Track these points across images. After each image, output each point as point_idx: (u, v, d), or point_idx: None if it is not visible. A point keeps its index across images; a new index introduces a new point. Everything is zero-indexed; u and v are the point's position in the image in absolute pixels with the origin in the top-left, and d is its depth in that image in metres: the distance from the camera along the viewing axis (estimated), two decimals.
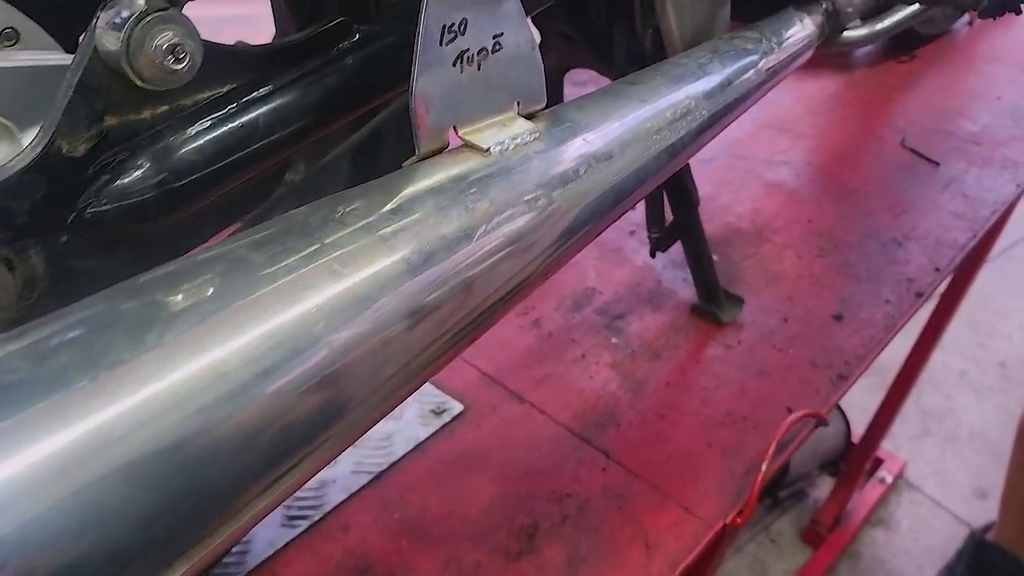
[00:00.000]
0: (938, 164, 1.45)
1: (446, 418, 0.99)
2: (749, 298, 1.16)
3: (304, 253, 0.42)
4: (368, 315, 0.42)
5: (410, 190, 0.49)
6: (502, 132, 0.55)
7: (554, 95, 1.12)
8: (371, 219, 0.45)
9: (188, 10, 0.46)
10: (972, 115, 1.62)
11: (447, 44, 0.52)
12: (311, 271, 0.41)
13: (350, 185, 0.49)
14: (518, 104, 0.58)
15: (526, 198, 0.52)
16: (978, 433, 2.51)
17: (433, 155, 0.53)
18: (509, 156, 0.54)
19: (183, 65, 0.44)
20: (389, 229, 0.45)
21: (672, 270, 1.22)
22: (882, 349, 1.10)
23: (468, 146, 0.54)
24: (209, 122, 0.50)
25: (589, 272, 1.21)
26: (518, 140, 0.55)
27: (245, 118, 0.51)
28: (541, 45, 1.04)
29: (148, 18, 0.42)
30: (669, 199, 1.05)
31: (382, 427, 0.97)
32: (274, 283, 0.40)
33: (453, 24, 0.52)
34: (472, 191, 0.50)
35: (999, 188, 1.39)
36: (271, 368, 0.37)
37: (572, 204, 0.55)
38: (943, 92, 1.73)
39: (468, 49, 0.53)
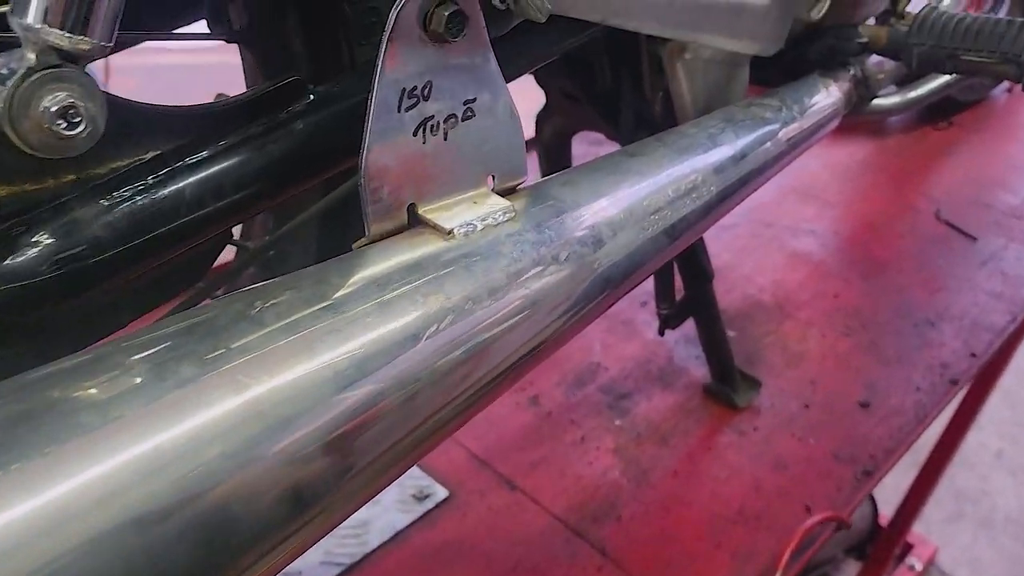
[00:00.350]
0: (975, 239, 1.36)
1: (429, 504, 0.90)
2: (767, 380, 1.08)
3: (206, 358, 0.35)
4: (279, 440, 0.35)
5: (351, 280, 0.42)
6: (471, 211, 0.48)
7: (560, 159, 1.05)
8: (294, 318, 0.38)
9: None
10: (1012, 187, 1.53)
11: (406, 110, 0.45)
12: (209, 383, 0.34)
13: (319, 257, 0.42)
14: (493, 179, 0.51)
15: (491, 291, 0.45)
16: (1015, 518, 2.37)
17: (386, 237, 0.46)
18: (475, 240, 0.46)
19: (78, 131, 0.37)
20: (315, 330, 0.38)
21: (685, 346, 1.14)
22: (913, 442, 1.00)
23: (429, 227, 0.47)
24: (126, 193, 0.43)
25: (595, 345, 1.13)
26: (488, 221, 0.48)
27: (169, 189, 0.44)
28: (546, 105, 0.98)
29: (35, 76, 0.35)
30: (680, 272, 0.97)
31: (357, 513, 0.89)
32: (159, 399, 0.33)
33: (415, 88, 0.45)
34: (426, 282, 0.43)
35: None
36: (137, 503, 0.30)
37: (547, 298, 0.48)
38: (981, 162, 1.65)
39: (433, 116, 0.46)
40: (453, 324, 0.42)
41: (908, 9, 0.89)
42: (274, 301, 0.38)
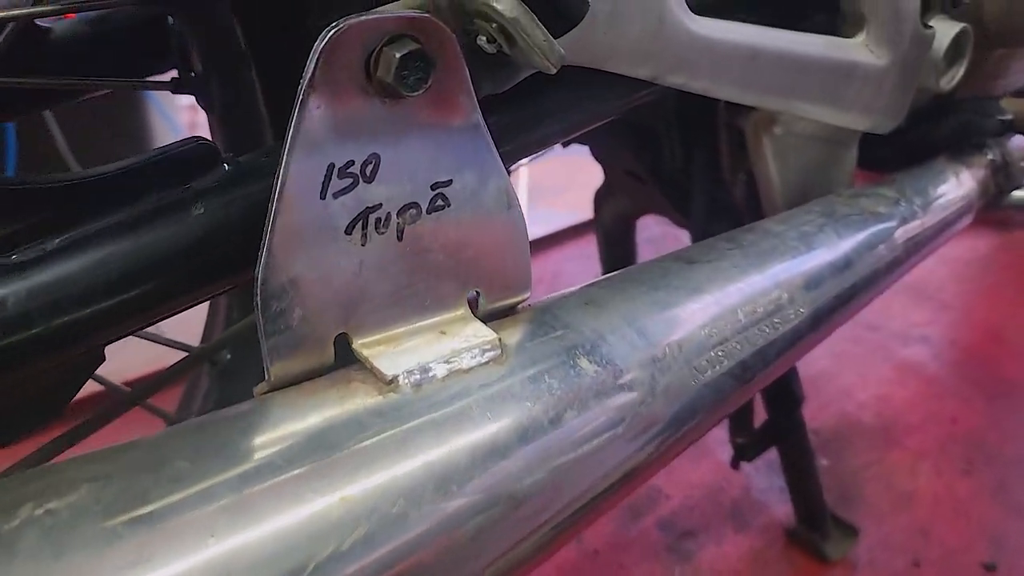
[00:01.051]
0: None
1: None
2: (867, 526, 0.87)
3: None
4: None
5: (233, 452, 0.26)
6: (432, 348, 0.32)
7: (622, 246, 0.89)
8: (108, 522, 0.23)
9: None
10: None
11: (336, 195, 0.30)
12: None
13: None
14: (478, 296, 0.35)
15: (439, 485, 0.29)
16: None
17: (301, 380, 0.31)
18: (429, 395, 0.31)
19: None
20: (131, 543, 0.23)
21: (767, 473, 0.94)
22: None
23: (364, 370, 0.31)
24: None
25: None
26: (456, 363, 0.32)
27: (10, 289, 0.30)
28: (605, 183, 0.82)
29: None
30: (761, 392, 0.79)
31: None
32: None
33: (351, 163, 0.30)
34: (339, 463, 0.27)
35: None
36: None
37: (534, 494, 0.31)
38: None
39: (379, 206, 0.31)
40: (370, 542, 0.26)
41: None
42: (93, 484, 0.23)
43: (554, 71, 0.32)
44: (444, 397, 0.31)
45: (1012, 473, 0.96)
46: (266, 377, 0.30)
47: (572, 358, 0.34)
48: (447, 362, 0.32)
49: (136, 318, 0.33)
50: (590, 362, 0.35)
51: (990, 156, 0.69)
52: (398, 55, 0.29)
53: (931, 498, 0.92)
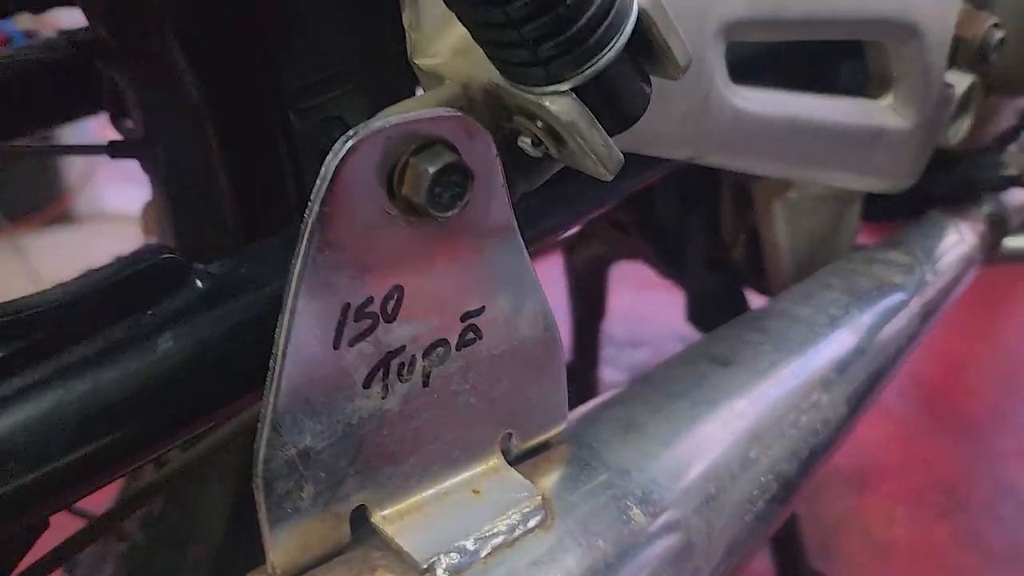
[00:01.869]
0: None
1: None
2: None
3: None
4: None
5: None
6: (466, 515, 0.26)
7: (591, 291, 0.84)
8: None
9: None
10: None
11: (352, 343, 0.24)
12: None
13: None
14: (511, 439, 0.29)
15: None
16: None
17: (310, 568, 0.25)
18: None
19: None
20: None
21: None
22: None
23: (389, 553, 0.25)
24: None
25: None
26: (499, 537, 0.26)
27: None
28: (582, 230, 0.77)
29: None
30: None
31: None
32: None
33: (369, 301, 0.24)
34: None
35: None
36: None
37: None
38: None
39: (402, 349, 0.25)
40: None
41: None
42: None
43: (610, 178, 0.26)
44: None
45: (982, 518, 0.94)
46: (268, 568, 0.24)
47: (623, 511, 0.29)
48: (488, 536, 0.26)
49: (94, 478, 0.26)
50: (644, 514, 0.29)
51: (987, 209, 0.66)
52: (432, 169, 0.23)
53: (909, 548, 0.90)
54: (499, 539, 0.26)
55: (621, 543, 0.28)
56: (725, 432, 0.35)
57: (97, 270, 0.27)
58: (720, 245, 0.60)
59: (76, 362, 0.26)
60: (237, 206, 0.40)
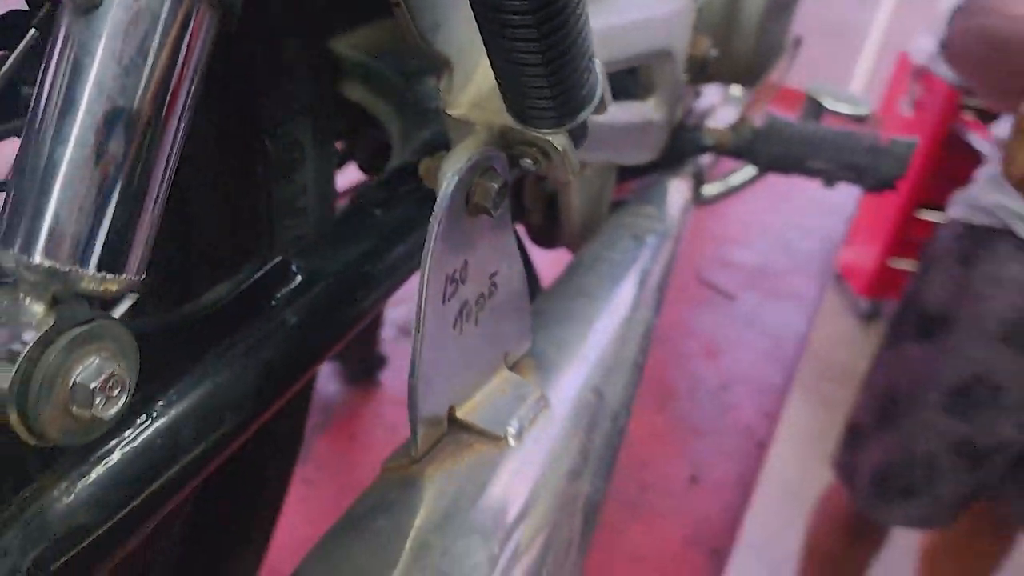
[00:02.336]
0: (735, 297, 1.49)
1: None
2: None
3: None
4: None
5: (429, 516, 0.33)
6: (504, 404, 0.41)
7: None
8: None
9: None
10: (751, 244, 1.69)
11: (449, 299, 0.37)
12: None
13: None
14: (506, 356, 0.44)
15: (561, 495, 0.38)
16: None
17: (430, 450, 0.37)
18: (529, 443, 0.39)
19: (117, 407, 0.25)
20: None
21: None
22: (743, 512, 1.05)
23: (475, 433, 0.39)
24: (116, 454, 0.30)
25: None
26: (527, 414, 0.41)
27: (159, 429, 0.32)
28: None
29: (61, 340, 0.23)
30: None
31: None
32: None
33: (455, 271, 0.37)
34: (502, 505, 0.35)
35: (793, 322, 1.45)
36: None
37: (597, 487, 0.42)
38: (715, 223, 1.79)
39: (467, 301, 0.39)
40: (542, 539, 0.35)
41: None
42: None
43: (573, 179, 0.42)
44: (540, 443, 0.39)
45: (687, 405, 1.23)
46: (412, 452, 0.36)
47: (580, 389, 0.45)
48: (521, 416, 0.40)
49: (256, 421, 0.36)
50: (586, 386, 0.46)
51: (692, 170, 0.90)
52: (495, 186, 0.37)
53: (641, 434, 1.15)
54: (529, 414, 0.41)
55: (588, 407, 0.44)
56: (611, 331, 0.52)
57: (230, 280, 0.37)
58: (523, 211, 0.77)
59: (238, 345, 0.36)
60: (221, 227, 0.48)
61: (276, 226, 0.46)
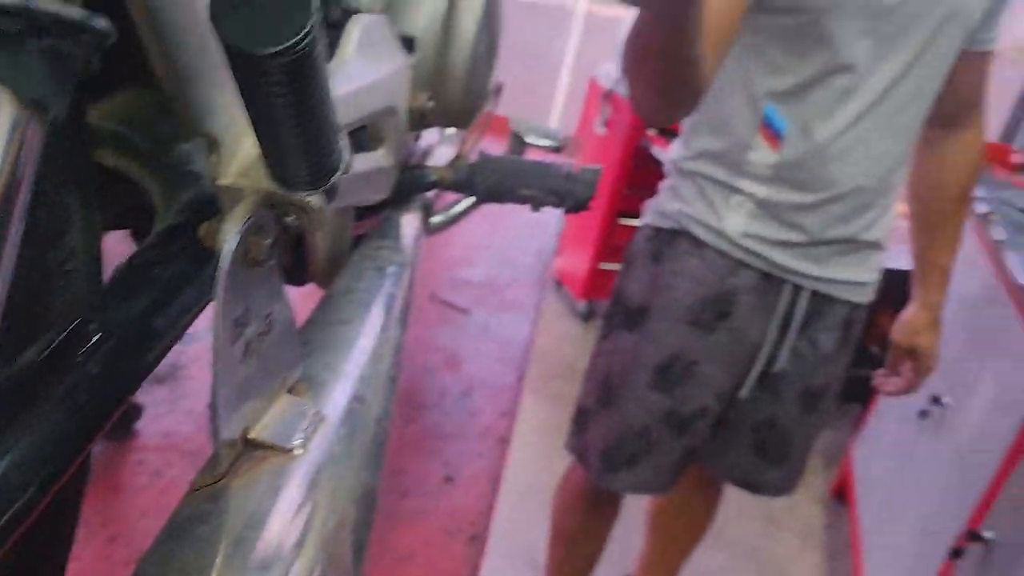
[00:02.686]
0: (469, 311, 1.63)
1: None
2: None
3: None
4: None
5: (234, 517, 0.40)
6: (289, 422, 0.49)
7: None
8: None
9: None
10: (474, 263, 1.85)
11: (236, 341, 0.44)
12: None
13: None
14: (284, 381, 0.51)
15: (343, 487, 0.47)
16: None
17: (229, 470, 0.44)
18: (313, 449, 0.47)
19: None
20: None
21: None
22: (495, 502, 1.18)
23: (267, 448, 0.46)
24: None
25: None
26: (308, 427, 0.49)
27: None
28: None
29: None
30: None
31: None
32: None
33: (239, 317, 0.45)
34: (299, 500, 0.43)
35: (521, 329, 1.61)
36: None
37: (371, 477, 0.51)
38: (439, 242, 1.93)
39: (251, 340, 0.46)
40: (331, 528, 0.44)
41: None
42: None
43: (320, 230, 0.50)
44: (322, 447, 0.48)
45: (436, 414, 1.34)
46: (217, 470, 0.43)
47: (347, 400, 0.54)
48: (303, 429, 0.48)
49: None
50: (349, 396, 0.55)
51: (420, 203, 1.01)
52: (267, 242, 0.45)
53: (400, 442, 1.25)
54: (309, 427, 0.49)
55: (351, 411, 0.53)
56: (368, 350, 0.61)
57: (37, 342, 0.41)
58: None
59: (49, 400, 0.41)
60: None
61: (53, 289, 0.50)
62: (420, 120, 0.81)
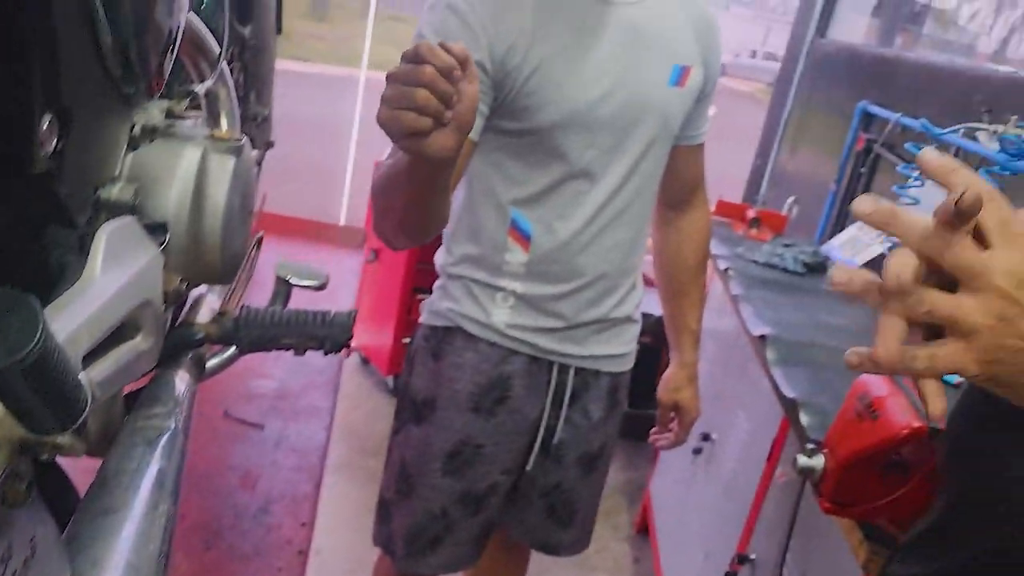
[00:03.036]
0: (263, 426, 1.69)
1: None
2: None
3: None
4: None
5: None
6: None
7: None
8: None
9: None
10: (269, 373, 1.91)
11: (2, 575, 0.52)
12: None
13: None
14: None
15: None
16: None
17: None
18: None
19: None
20: None
21: None
22: None
23: None
24: None
25: None
26: None
27: None
28: None
29: None
30: None
31: None
32: None
33: (2, 554, 0.52)
34: None
35: (315, 435, 1.69)
36: None
37: None
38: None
39: (16, 570, 0.54)
40: None
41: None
42: None
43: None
44: None
45: (234, 535, 1.39)
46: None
47: None
48: None
49: None
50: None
51: (193, 356, 1.08)
52: (22, 487, 0.53)
53: (192, 570, 1.29)
54: None
55: None
56: (135, 536, 0.69)
57: None
58: None
59: None
60: None
61: None
62: (177, 297, 0.90)
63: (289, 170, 4.63)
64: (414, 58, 0.98)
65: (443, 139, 1.01)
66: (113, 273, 0.74)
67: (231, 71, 1.62)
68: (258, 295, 1.27)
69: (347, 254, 4.22)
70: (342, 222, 5.20)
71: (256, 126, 1.73)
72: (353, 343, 3.26)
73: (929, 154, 0.62)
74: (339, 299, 1.95)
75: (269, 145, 1.85)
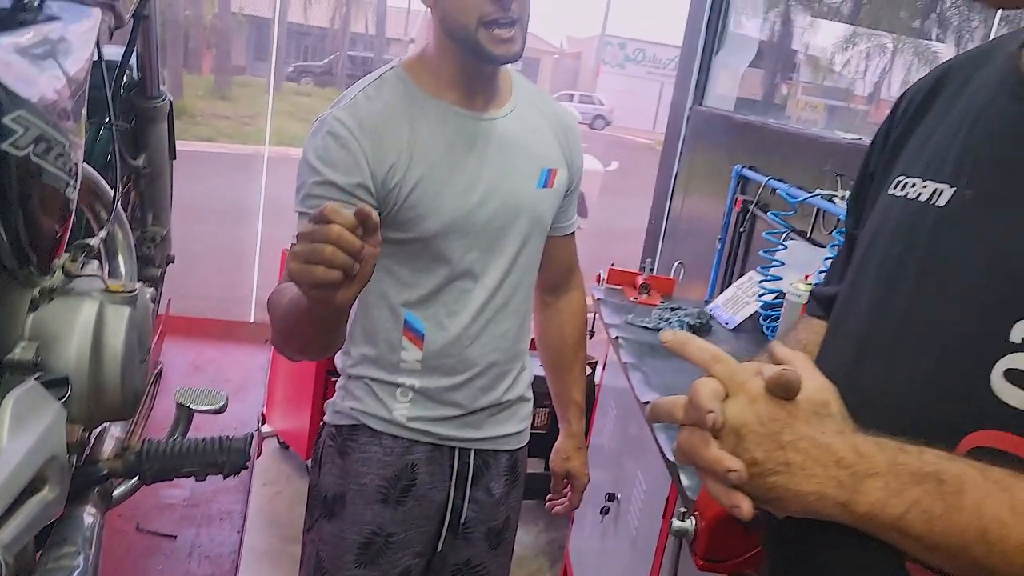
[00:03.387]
0: (175, 536, 1.74)
1: None
2: None
3: None
4: None
5: None
6: None
7: None
8: None
9: None
10: (180, 482, 1.96)
11: None
12: None
13: None
14: None
15: None
16: None
17: None
18: None
19: None
20: None
21: None
22: None
23: None
24: None
25: None
26: None
27: None
28: None
29: None
30: None
31: None
32: None
33: None
34: None
35: (228, 540, 1.75)
36: None
37: None
38: None
39: None
40: None
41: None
42: None
43: None
44: None
45: None
46: None
47: None
48: None
49: None
50: None
51: (99, 491, 1.16)
52: None
53: None
54: None
55: None
56: None
57: None
58: None
59: None
60: None
61: None
62: (81, 446, 0.99)
63: (197, 256, 4.66)
64: (320, 219, 1.10)
65: (344, 291, 1.13)
66: (19, 440, 0.83)
67: (128, 199, 1.71)
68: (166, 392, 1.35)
69: (257, 349, 4.25)
70: (252, 319, 5.01)
71: (156, 246, 1.81)
72: (270, 427, 3.32)
73: (665, 335, 0.82)
74: (250, 397, 2.03)
75: (170, 260, 1.93)
